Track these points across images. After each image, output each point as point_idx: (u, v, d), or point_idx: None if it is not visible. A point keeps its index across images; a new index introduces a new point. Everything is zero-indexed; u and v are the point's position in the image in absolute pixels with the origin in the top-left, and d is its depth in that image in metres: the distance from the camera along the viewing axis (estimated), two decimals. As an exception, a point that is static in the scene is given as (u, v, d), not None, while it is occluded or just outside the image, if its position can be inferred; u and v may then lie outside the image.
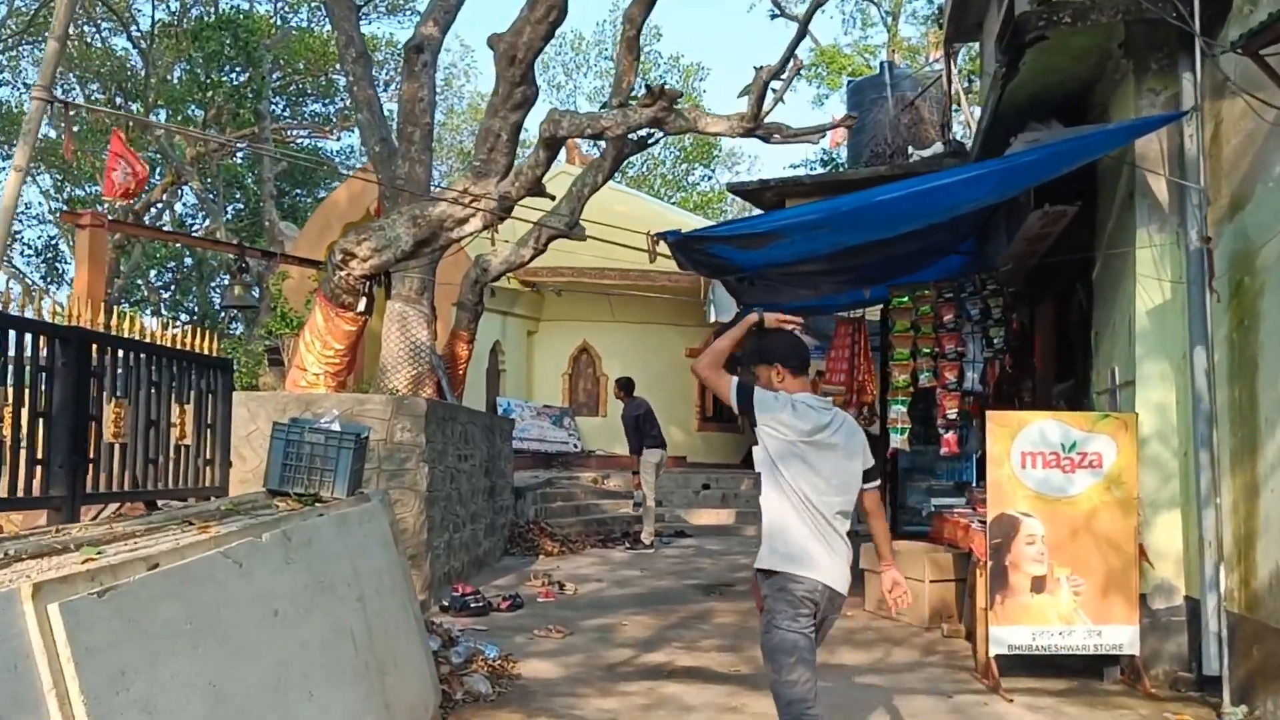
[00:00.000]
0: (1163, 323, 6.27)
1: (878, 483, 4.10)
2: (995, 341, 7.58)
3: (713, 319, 7.37)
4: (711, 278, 6.86)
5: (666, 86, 6.84)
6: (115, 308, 5.75)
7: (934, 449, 10.59)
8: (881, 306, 9.52)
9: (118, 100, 25.43)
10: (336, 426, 5.11)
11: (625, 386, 12.40)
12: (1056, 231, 7.96)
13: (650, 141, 9.94)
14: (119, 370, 5.14)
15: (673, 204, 29.56)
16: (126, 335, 5.30)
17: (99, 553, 3.18)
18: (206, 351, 6.30)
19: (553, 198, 8.03)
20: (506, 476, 11.57)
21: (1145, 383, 6.31)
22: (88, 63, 25.26)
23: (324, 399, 8.18)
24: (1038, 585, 6.09)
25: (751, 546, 12.49)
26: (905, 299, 7.69)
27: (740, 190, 15.79)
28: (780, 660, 3.81)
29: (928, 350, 7.63)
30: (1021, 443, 6.10)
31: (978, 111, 18.19)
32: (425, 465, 8.30)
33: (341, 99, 27.19)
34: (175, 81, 23.96)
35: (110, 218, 11.91)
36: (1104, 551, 6.07)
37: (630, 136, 9.81)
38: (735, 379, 3.92)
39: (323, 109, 28.98)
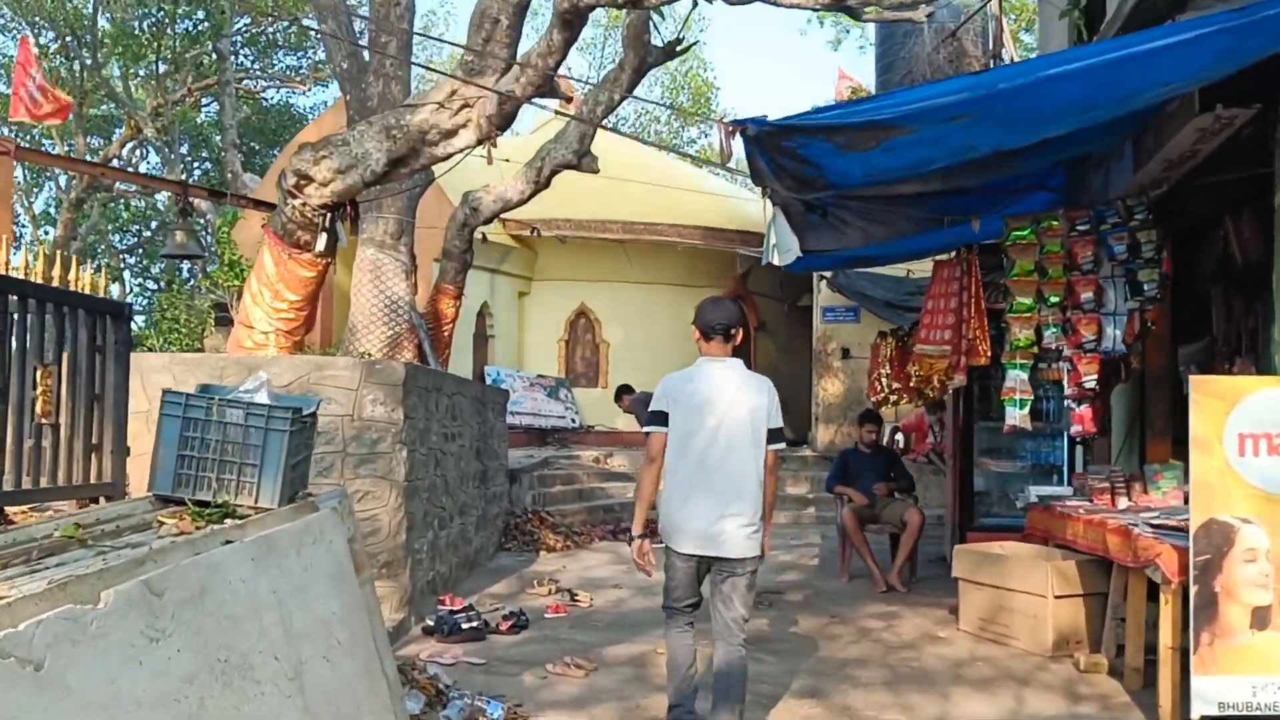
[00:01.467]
0: None
1: (779, 445, 4.33)
2: (1146, 288, 5.83)
3: (773, 260, 5.55)
4: (789, 193, 5.11)
5: (731, -64, 5.03)
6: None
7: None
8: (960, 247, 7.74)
9: (70, 50, 23.26)
10: (264, 397, 3.32)
11: (627, 391, 10.54)
12: (1211, 148, 6.24)
13: (678, 50, 8.11)
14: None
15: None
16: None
17: None
18: (88, 291, 4.51)
19: (569, 99, 6.22)
20: (501, 458, 9.80)
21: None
22: (40, 5, 23.06)
23: (274, 362, 6.37)
24: (1260, 619, 4.37)
25: (789, 538, 10.73)
26: (1027, 232, 5.92)
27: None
28: (667, 573, 4.35)
29: (1056, 299, 5.88)
30: (1239, 421, 4.37)
31: (1017, 54, 16.44)
32: (403, 448, 6.51)
33: (313, 50, 25.14)
34: (133, 29, 21.83)
35: (22, 145, 9.97)
36: (1351, 572, 4.36)
37: (655, 43, 8.00)
38: (646, 426, 4.39)
39: (295, 62, 26.95)
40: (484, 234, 10.01)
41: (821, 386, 14.15)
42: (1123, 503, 6.57)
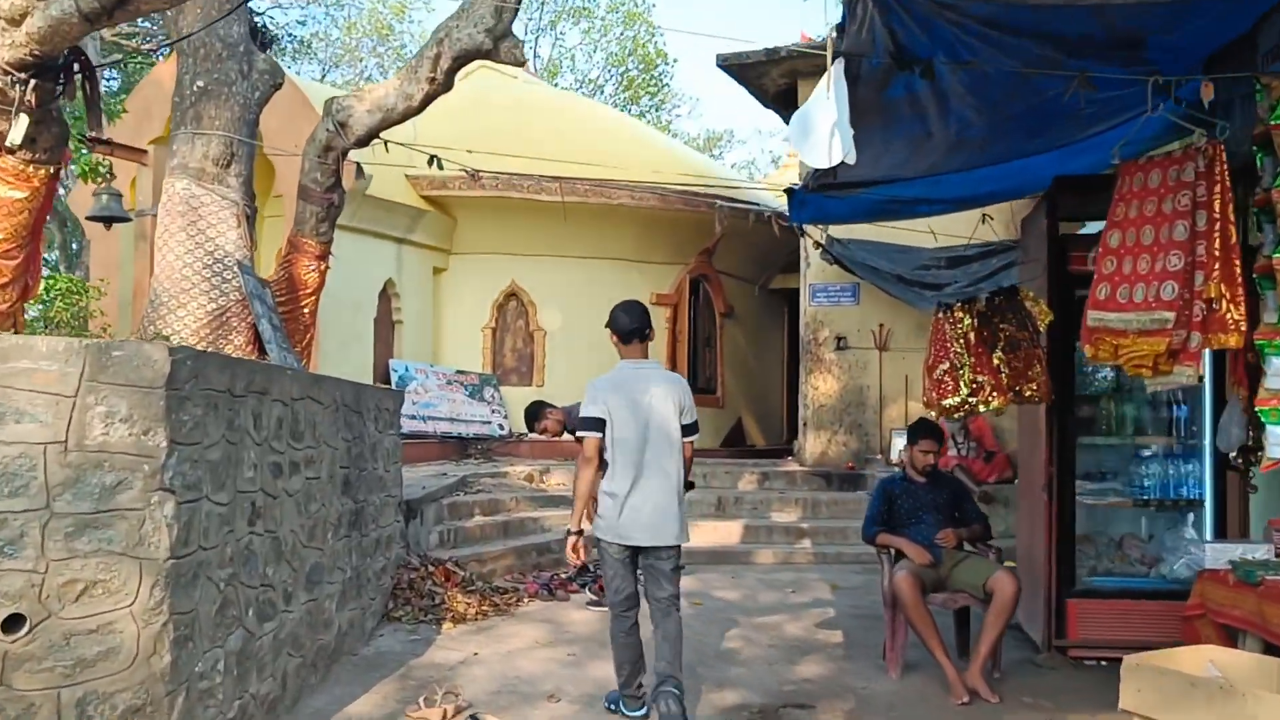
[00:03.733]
0: None
1: (694, 437, 4.74)
2: None
3: (821, 160, 2.78)
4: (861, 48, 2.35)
5: None
6: None
7: (1130, 442, 6.25)
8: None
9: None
10: None
11: (544, 411, 7.55)
12: None
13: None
14: None
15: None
16: None
17: None
18: None
19: None
20: (388, 487, 6.89)
21: None
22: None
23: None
24: None
25: (786, 590, 7.90)
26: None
27: (734, 65, 11.32)
28: (605, 573, 4.78)
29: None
30: None
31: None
32: (168, 497, 3.63)
33: None
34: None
35: None
36: None
37: None
38: (582, 430, 4.69)
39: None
40: (361, 170, 7.05)
41: (811, 384, 11.40)
42: (1385, 578, 3.98)
